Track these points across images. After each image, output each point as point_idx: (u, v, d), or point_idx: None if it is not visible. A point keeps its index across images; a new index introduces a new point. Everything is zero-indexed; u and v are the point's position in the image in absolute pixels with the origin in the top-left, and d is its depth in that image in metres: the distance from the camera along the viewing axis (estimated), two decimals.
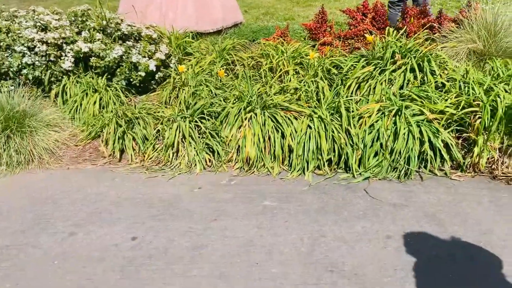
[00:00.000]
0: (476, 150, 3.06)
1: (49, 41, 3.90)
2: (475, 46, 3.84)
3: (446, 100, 3.29)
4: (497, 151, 3.09)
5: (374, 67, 3.59)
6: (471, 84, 3.30)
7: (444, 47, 3.86)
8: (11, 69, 3.89)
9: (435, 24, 4.22)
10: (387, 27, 4.03)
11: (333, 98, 3.55)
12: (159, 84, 4.29)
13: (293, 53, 4.23)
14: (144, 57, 4.08)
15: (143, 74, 4.01)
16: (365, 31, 4.56)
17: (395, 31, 4.02)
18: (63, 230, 2.72)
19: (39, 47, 3.88)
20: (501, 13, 4.03)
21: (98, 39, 4.05)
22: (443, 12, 4.32)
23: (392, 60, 3.61)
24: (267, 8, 6.44)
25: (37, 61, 3.89)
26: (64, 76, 4.00)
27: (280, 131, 3.33)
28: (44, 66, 3.93)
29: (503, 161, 3.10)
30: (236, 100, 3.60)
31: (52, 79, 3.99)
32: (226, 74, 4.14)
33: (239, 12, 5.49)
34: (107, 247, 2.56)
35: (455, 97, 3.29)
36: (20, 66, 3.88)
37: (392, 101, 3.28)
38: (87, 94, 3.91)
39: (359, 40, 4.62)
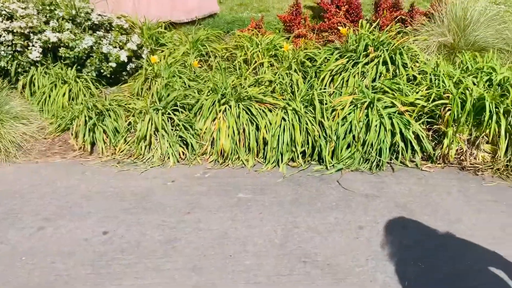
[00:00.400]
0: (446, 141, 3.12)
1: (15, 30, 3.76)
2: (446, 39, 3.91)
3: (417, 92, 3.34)
4: (466, 142, 3.17)
5: (347, 59, 3.61)
6: (442, 77, 3.36)
7: (416, 40, 3.91)
8: None
9: (407, 18, 4.28)
10: (361, 20, 4.06)
11: (307, 90, 3.56)
12: (130, 76, 4.20)
13: (267, 45, 4.21)
14: (115, 47, 3.99)
15: (114, 65, 3.92)
16: (338, 24, 4.58)
17: (368, 24, 4.05)
18: (31, 225, 2.64)
19: (4, 36, 3.74)
20: (470, 7, 4.11)
21: (67, 29, 3.94)
22: (414, 6, 4.38)
23: (365, 53, 3.64)
24: None
25: (2, 51, 3.75)
26: (31, 67, 3.86)
27: (254, 123, 3.32)
28: (10, 56, 3.78)
29: (471, 152, 3.18)
30: (210, 92, 3.57)
31: (19, 70, 3.85)
32: (200, 66, 4.09)
33: (214, 2, 5.42)
34: (78, 241, 2.51)
35: (426, 90, 3.35)
36: None
37: (364, 93, 3.31)
38: (56, 85, 3.79)
39: (333, 33, 4.64)
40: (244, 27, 4.98)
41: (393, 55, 3.63)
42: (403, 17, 4.28)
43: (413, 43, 3.84)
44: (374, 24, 4.00)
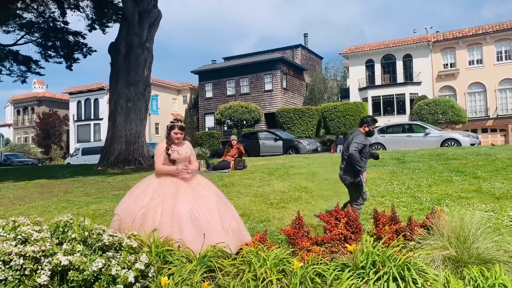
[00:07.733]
0: None
1: (27, 254, 3.81)
2: (449, 252, 4.01)
3: None
4: None
5: (357, 278, 3.64)
6: None
7: (420, 254, 4.01)
8: None
9: (406, 231, 4.47)
10: (365, 235, 4.23)
11: None
12: None
13: (274, 259, 4.27)
14: (124, 268, 3.99)
15: (121, 287, 3.86)
16: (340, 235, 4.75)
17: (371, 237, 4.21)
18: None
19: (15, 260, 3.76)
20: (463, 214, 4.34)
21: (78, 251, 4.00)
22: (412, 219, 4.62)
23: (374, 269, 3.68)
24: (243, 210, 6.71)
25: (10, 276, 3.71)
26: None
27: None
28: (16, 281, 3.74)
29: None
30: None
31: None
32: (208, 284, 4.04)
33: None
34: None
35: None
36: None
37: None
38: None
39: (336, 244, 4.77)
40: None
41: (401, 271, 3.67)
42: (404, 230, 4.48)
43: (418, 257, 3.93)
44: (381, 241, 4.13)
